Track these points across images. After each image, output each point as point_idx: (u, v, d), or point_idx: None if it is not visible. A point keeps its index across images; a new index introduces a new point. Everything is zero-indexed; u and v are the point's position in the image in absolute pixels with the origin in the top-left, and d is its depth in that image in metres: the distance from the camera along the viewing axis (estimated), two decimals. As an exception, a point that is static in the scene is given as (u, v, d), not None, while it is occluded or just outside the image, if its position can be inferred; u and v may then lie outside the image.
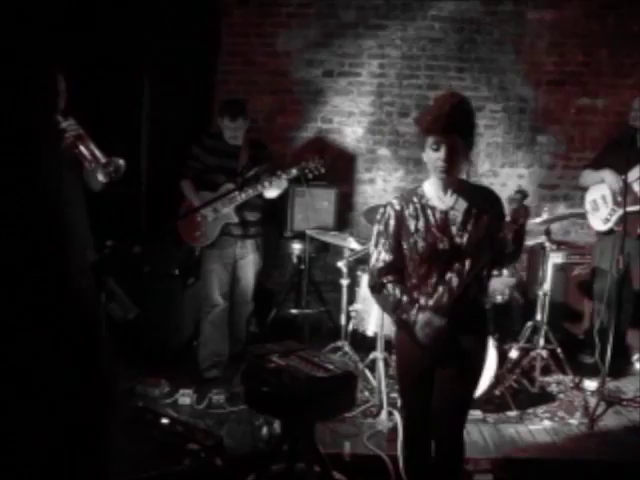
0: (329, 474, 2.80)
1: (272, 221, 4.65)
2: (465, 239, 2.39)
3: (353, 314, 4.07)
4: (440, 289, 2.39)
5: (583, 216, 4.39)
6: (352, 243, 4.04)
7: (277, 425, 3.13)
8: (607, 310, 4.03)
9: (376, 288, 2.48)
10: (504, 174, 5.21)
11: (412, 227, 2.43)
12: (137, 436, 2.99)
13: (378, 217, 2.52)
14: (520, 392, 3.90)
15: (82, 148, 2.99)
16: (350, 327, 4.08)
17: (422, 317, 2.36)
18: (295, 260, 4.67)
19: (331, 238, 4.25)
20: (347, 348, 4.01)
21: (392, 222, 2.46)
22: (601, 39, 5.01)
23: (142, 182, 4.64)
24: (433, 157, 2.40)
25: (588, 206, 4.28)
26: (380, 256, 2.46)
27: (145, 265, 4.33)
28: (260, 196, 3.91)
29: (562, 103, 5.10)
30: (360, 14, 5.01)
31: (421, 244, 2.40)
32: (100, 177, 2.99)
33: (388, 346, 3.82)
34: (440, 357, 2.43)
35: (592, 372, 4.06)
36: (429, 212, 2.44)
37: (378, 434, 3.36)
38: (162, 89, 4.52)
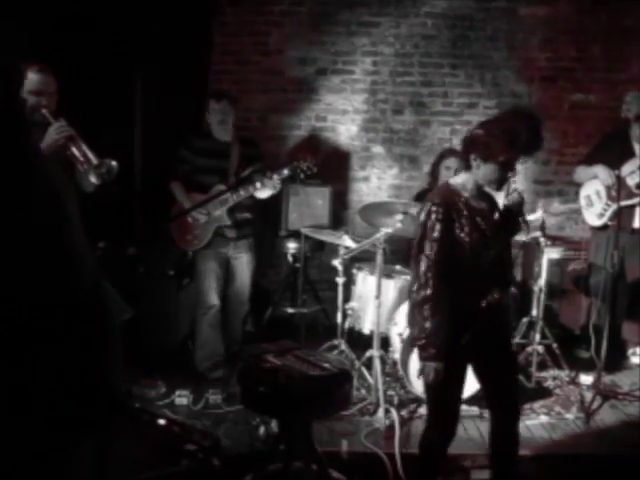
0: (327, 473, 2.80)
1: (267, 220, 4.65)
2: (506, 238, 2.54)
3: (349, 312, 4.07)
4: (492, 289, 2.49)
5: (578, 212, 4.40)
6: (347, 241, 4.03)
7: (274, 424, 3.13)
8: (602, 305, 4.04)
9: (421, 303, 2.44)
10: (498, 170, 5.21)
11: (461, 229, 2.46)
12: (134, 438, 2.98)
13: (423, 222, 2.49)
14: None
15: (74, 149, 2.97)
16: (346, 325, 4.08)
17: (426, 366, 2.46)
18: (290, 259, 4.67)
19: (326, 236, 4.24)
20: (343, 346, 4.01)
21: (439, 226, 2.45)
22: (594, 35, 5.02)
23: (136, 183, 4.62)
24: (498, 174, 2.47)
25: (583, 202, 4.29)
26: (429, 264, 2.44)
27: (140, 266, 4.32)
28: (252, 196, 3.90)
29: (555, 99, 5.10)
30: (353, 11, 5.00)
31: (472, 246, 2.45)
32: (92, 179, 2.98)
33: (384, 344, 3.83)
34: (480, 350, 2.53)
35: (588, 366, 4.08)
36: (476, 214, 2.50)
37: (375, 432, 3.36)
38: (155, 88, 4.50)
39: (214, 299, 3.98)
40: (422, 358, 2.47)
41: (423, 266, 2.44)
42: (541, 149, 2.56)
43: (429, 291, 2.42)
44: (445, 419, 2.65)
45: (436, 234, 2.44)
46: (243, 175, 3.70)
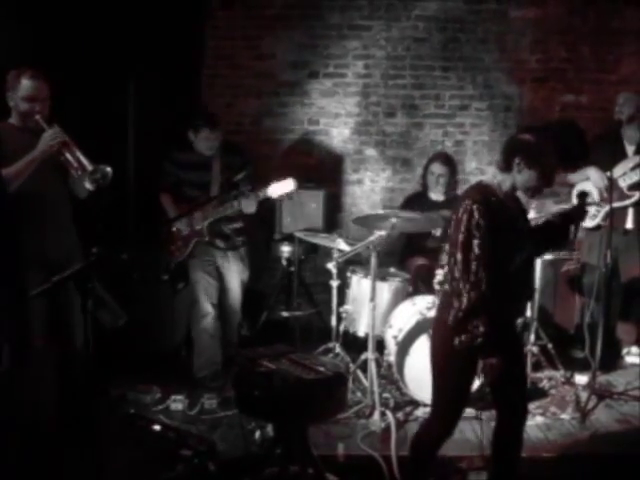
0: (323, 476, 2.79)
1: (261, 224, 4.64)
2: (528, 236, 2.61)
3: (344, 315, 4.07)
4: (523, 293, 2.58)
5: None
6: (341, 244, 4.04)
7: (270, 429, 3.12)
8: (596, 305, 4.05)
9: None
10: (491, 172, 5.21)
11: (497, 229, 2.46)
12: (129, 443, 2.97)
13: (466, 221, 2.45)
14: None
15: (68, 155, 2.97)
16: (341, 328, 4.08)
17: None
18: (285, 262, 4.67)
19: (320, 240, 4.24)
20: (338, 349, 4.01)
21: (484, 224, 2.43)
22: (583, 36, 5.04)
23: (129, 188, 4.61)
24: (536, 183, 2.54)
25: (575, 202, 4.30)
26: (480, 263, 2.41)
27: (134, 271, 4.30)
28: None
29: (546, 100, 5.12)
30: (344, 15, 5.02)
31: (506, 247, 2.47)
32: (87, 185, 2.97)
33: (379, 346, 3.83)
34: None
35: (583, 367, 4.08)
36: (510, 214, 2.55)
37: (371, 435, 3.35)
38: (148, 93, 4.50)
39: (207, 307, 3.96)
40: (482, 357, 2.46)
41: (474, 266, 2.41)
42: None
43: (483, 289, 2.40)
44: (453, 418, 2.68)
45: (482, 232, 2.42)
46: (221, 197, 3.67)
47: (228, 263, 4.00)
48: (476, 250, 2.42)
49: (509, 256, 2.48)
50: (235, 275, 4.03)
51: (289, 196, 3.72)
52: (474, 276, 2.41)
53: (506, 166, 2.56)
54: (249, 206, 3.75)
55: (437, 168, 4.54)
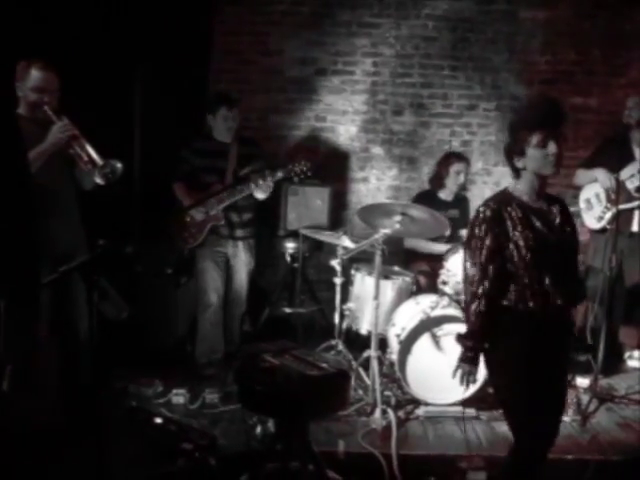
0: (323, 473, 2.80)
1: (265, 220, 4.65)
2: (565, 239, 2.50)
3: (347, 313, 4.07)
4: (554, 294, 2.43)
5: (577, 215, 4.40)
6: (346, 242, 4.04)
7: (271, 424, 3.12)
8: (600, 308, 4.05)
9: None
10: (497, 172, 5.22)
11: (514, 228, 2.42)
12: (131, 436, 2.98)
13: (471, 222, 2.48)
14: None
15: (77, 148, 2.98)
16: (344, 326, 4.08)
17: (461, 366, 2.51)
18: (288, 259, 4.67)
19: (325, 237, 4.24)
20: (341, 347, 4.01)
21: (485, 226, 2.43)
22: (593, 38, 5.03)
23: (135, 181, 4.62)
24: (540, 155, 2.42)
25: (582, 205, 4.30)
26: (488, 274, 2.41)
27: (138, 264, 4.32)
28: (251, 196, 3.91)
29: (555, 102, 5.10)
30: (354, 12, 5.01)
31: (528, 245, 2.41)
32: (97, 179, 2.99)
33: (382, 344, 3.83)
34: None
35: (584, 369, 4.08)
36: (532, 212, 2.46)
37: (372, 432, 3.36)
38: (155, 88, 4.50)
39: (213, 297, 4.00)
40: (461, 359, 2.49)
41: (468, 266, 2.45)
42: (564, 120, 2.49)
43: (479, 291, 2.41)
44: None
45: (482, 233, 2.42)
46: (241, 174, 3.73)
47: (237, 253, 4.04)
48: (474, 250, 2.43)
49: (534, 255, 2.41)
50: (243, 266, 4.07)
51: (306, 174, 3.80)
52: (475, 287, 2.42)
53: (516, 172, 2.53)
54: (264, 188, 3.81)
55: (463, 167, 4.58)
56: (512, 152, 2.50)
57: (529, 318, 2.43)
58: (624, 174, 3.97)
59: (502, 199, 2.50)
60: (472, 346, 2.47)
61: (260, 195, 3.89)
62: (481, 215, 2.45)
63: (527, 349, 2.43)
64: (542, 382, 2.46)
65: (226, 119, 3.94)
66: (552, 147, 2.41)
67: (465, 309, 2.50)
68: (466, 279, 2.48)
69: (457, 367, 2.52)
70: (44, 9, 3.78)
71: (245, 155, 3.98)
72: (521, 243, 2.41)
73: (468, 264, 2.47)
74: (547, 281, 2.42)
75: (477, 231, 2.45)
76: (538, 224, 2.45)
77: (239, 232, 4.03)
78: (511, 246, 2.42)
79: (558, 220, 2.51)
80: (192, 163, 3.99)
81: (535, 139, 2.42)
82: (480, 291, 2.41)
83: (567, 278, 2.49)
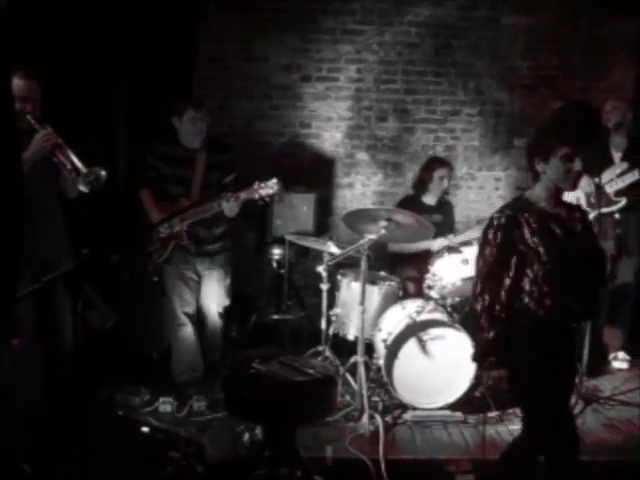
0: (311, 479, 2.80)
1: (251, 226, 4.65)
2: (586, 246, 2.47)
3: (333, 318, 4.08)
4: (571, 300, 2.41)
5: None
6: (332, 247, 4.04)
7: (258, 431, 3.12)
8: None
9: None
10: (481, 177, 5.26)
11: (532, 234, 2.39)
12: (117, 445, 2.96)
13: (484, 230, 2.45)
14: (500, 393, 3.92)
15: (61, 157, 2.96)
16: (331, 331, 4.08)
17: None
18: (275, 265, 4.67)
19: (311, 243, 4.25)
20: (328, 352, 4.00)
21: (500, 233, 2.40)
22: (574, 44, 5.10)
23: (120, 189, 4.60)
24: (563, 168, 2.38)
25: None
26: (485, 271, 2.41)
27: (123, 272, 4.29)
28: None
29: (537, 107, 5.16)
30: (337, 19, 5.04)
31: (546, 251, 2.37)
32: (81, 187, 2.97)
33: (369, 350, 3.84)
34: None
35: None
36: (550, 219, 2.43)
37: (360, 438, 3.36)
38: (139, 93, 4.49)
39: (182, 317, 3.79)
40: (481, 367, 2.50)
41: (479, 274, 2.43)
42: (598, 138, 2.45)
43: (486, 301, 2.40)
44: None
45: (496, 241, 2.39)
46: (202, 199, 3.55)
47: (208, 270, 3.82)
48: (487, 257, 2.41)
49: (551, 262, 2.37)
50: (215, 282, 3.83)
51: (275, 197, 3.60)
52: (479, 286, 2.43)
53: (534, 175, 2.49)
54: (231, 209, 3.58)
55: (446, 172, 4.57)
56: (535, 154, 2.44)
57: (547, 323, 2.42)
58: (604, 178, 4.02)
59: (519, 205, 2.45)
60: (491, 352, 2.43)
61: (228, 213, 3.63)
62: (495, 222, 2.42)
63: (546, 350, 2.42)
64: (561, 379, 2.49)
65: (194, 121, 3.64)
66: (577, 164, 2.36)
67: (480, 317, 2.43)
68: (477, 285, 2.43)
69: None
70: (29, 19, 3.77)
71: (214, 164, 3.72)
72: (540, 250, 2.37)
73: (481, 271, 2.44)
74: (566, 289, 2.39)
75: (490, 238, 2.42)
76: (558, 231, 2.41)
77: (209, 248, 3.79)
78: (530, 252, 2.38)
79: (579, 227, 2.48)
80: (158, 169, 3.76)
81: (563, 151, 2.35)
82: (488, 298, 2.39)
83: (587, 288, 2.44)
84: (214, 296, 3.87)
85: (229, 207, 3.56)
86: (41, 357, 3.10)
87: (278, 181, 3.48)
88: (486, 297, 2.41)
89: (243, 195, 3.51)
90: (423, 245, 4.28)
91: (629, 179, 4.03)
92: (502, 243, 2.40)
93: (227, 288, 3.91)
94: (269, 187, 3.48)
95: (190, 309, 3.83)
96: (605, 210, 4.00)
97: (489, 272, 2.42)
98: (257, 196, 3.49)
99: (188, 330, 3.83)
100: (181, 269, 3.79)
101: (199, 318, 3.89)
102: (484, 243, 2.45)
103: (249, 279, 4.95)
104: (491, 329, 2.40)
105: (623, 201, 4.07)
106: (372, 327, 3.90)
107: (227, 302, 3.95)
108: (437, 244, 4.23)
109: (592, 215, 4.07)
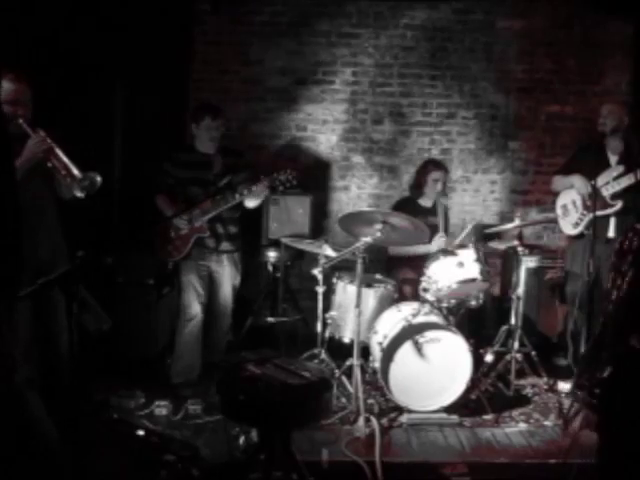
0: (307, 482, 2.79)
1: (247, 229, 4.64)
2: None
3: (329, 321, 4.07)
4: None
5: (555, 221, 4.46)
6: (327, 250, 4.05)
7: (254, 434, 3.11)
8: (579, 312, 4.09)
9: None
10: (477, 180, 5.27)
11: None
12: (112, 448, 2.95)
13: (617, 249, 2.25)
14: (496, 395, 3.94)
15: (55, 162, 2.94)
16: (326, 334, 4.07)
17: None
18: (271, 268, 4.67)
19: (306, 246, 4.25)
20: (323, 355, 4.00)
21: (630, 257, 2.23)
22: (569, 47, 5.12)
23: (115, 192, 4.60)
24: None
25: (559, 211, 4.35)
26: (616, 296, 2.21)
27: (119, 275, 4.29)
28: (238, 208, 3.88)
29: (532, 110, 5.18)
30: (333, 22, 5.05)
31: None
32: (77, 192, 2.95)
33: (364, 353, 3.84)
34: None
35: (566, 374, 4.12)
36: None
37: (356, 441, 3.35)
38: (135, 97, 4.50)
39: (196, 310, 3.92)
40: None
41: (612, 297, 2.26)
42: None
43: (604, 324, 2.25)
44: None
45: (627, 264, 2.23)
46: (221, 184, 3.71)
47: (222, 267, 3.97)
48: (617, 281, 2.23)
49: None
50: (227, 280, 4.00)
51: (288, 180, 3.79)
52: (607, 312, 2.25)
53: None
54: (253, 196, 3.79)
55: (440, 175, 4.56)
56: None
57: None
58: (600, 181, 4.03)
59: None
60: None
61: (251, 203, 3.87)
62: (626, 243, 2.24)
63: None
64: None
65: (209, 129, 3.85)
66: None
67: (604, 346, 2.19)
68: (609, 310, 2.23)
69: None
70: (24, 20, 3.76)
71: (229, 166, 3.93)
72: None
73: (613, 295, 2.23)
74: None
75: (621, 260, 2.23)
76: None
77: (224, 245, 3.96)
78: None
79: None
80: (175, 176, 3.93)
81: None
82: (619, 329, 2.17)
83: None
84: (226, 293, 4.02)
85: (257, 192, 3.76)
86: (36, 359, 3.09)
87: (292, 170, 3.78)
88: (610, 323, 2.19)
89: (265, 182, 3.75)
90: (422, 249, 4.29)
91: (625, 182, 4.04)
92: (634, 263, 2.20)
93: (237, 287, 4.07)
94: (288, 174, 3.76)
95: (199, 306, 3.94)
96: (601, 213, 4.01)
97: (620, 293, 2.21)
98: (277, 182, 3.77)
99: (195, 327, 3.94)
100: (199, 265, 3.93)
101: (207, 315, 3.99)
102: (616, 265, 2.23)
103: (245, 282, 4.92)
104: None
105: (619, 204, 4.08)
106: (368, 330, 3.90)
107: (234, 299, 4.08)
108: (435, 247, 4.23)
109: (588, 218, 4.10)
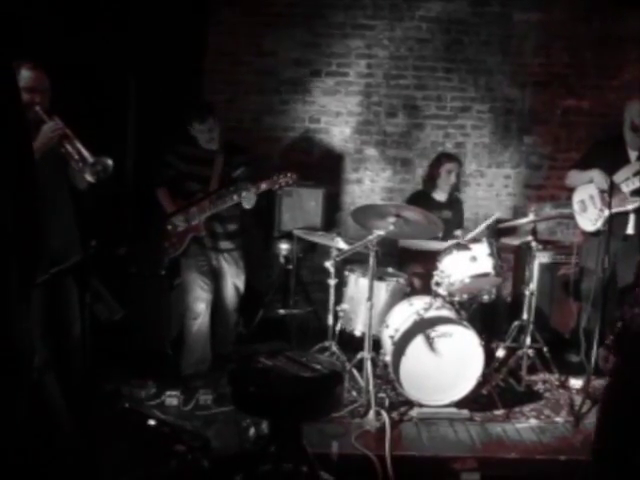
0: (317, 474, 2.79)
1: (259, 221, 4.64)
2: None
3: (341, 314, 4.07)
4: None
5: (569, 216, 4.42)
6: (339, 243, 4.04)
7: (264, 426, 3.12)
8: (593, 309, 4.06)
9: None
10: (491, 174, 5.23)
11: None
12: (123, 438, 2.96)
13: None
14: (507, 391, 3.92)
15: (68, 147, 2.96)
16: (337, 327, 4.07)
17: None
18: (282, 260, 4.66)
19: (318, 238, 4.24)
20: (334, 348, 4.00)
21: None
22: (586, 41, 5.05)
23: (128, 182, 4.60)
24: None
25: (576, 207, 4.30)
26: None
27: (131, 265, 4.30)
28: (238, 205, 3.81)
29: (548, 104, 5.13)
30: (348, 14, 5.01)
31: None
32: (88, 177, 2.96)
33: (375, 346, 3.83)
34: None
35: (578, 370, 4.10)
36: None
37: (366, 434, 3.36)
38: (149, 88, 4.49)
39: (199, 308, 3.91)
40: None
41: None
42: None
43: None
44: None
45: None
46: (235, 175, 3.66)
47: (221, 266, 3.95)
48: None
49: None
50: (228, 278, 3.97)
51: (290, 180, 3.77)
52: None
53: None
54: (248, 200, 3.73)
55: (454, 167, 4.56)
56: None
57: None
58: (619, 177, 3.99)
59: None
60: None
61: (246, 205, 3.79)
62: None
63: None
64: None
65: (202, 132, 3.81)
66: None
67: None
68: None
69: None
70: (39, 11, 3.77)
71: (232, 163, 3.83)
72: None
73: None
74: None
75: None
76: None
77: (223, 244, 3.93)
78: None
79: None
80: (177, 168, 3.90)
81: None
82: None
83: None
84: (228, 291, 3.99)
85: (247, 197, 3.71)
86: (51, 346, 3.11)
87: (292, 174, 3.74)
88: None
89: (263, 185, 3.74)
90: (434, 245, 4.27)
91: (646, 179, 3.99)
92: None
93: (239, 286, 4.03)
94: (288, 177, 3.74)
95: (205, 302, 3.93)
96: (620, 209, 3.97)
97: None
98: (277, 186, 3.76)
99: (202, 323, 3.93)
100: (198, 262, 3.90)
101: (212, 312, 3.98)
102: None
103: (256, 274, 4.94)
104: None
105: (639, 201, 4.03)
106: (379, 323, 3.89)
107: (239, 296, 4.05)
108: (447, 244, 4.21)
109: (605, 213, 4.05)
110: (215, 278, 3.96)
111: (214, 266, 3.94)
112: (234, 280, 3.99)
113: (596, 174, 4.11)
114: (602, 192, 4.09)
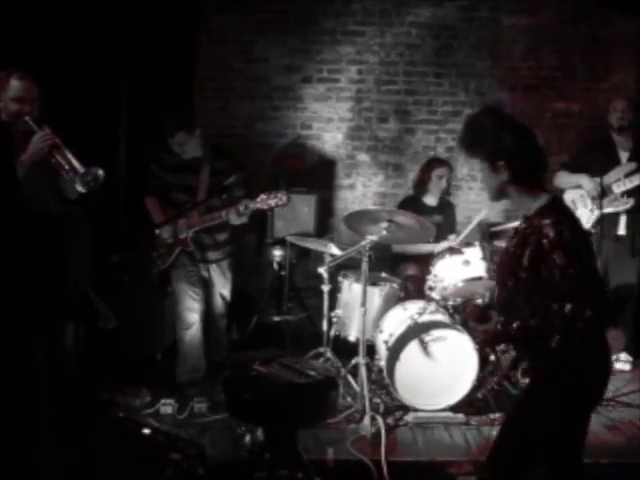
0: (312, 481, 2.79)
1: (253, 228, 4.64)
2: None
3: (335, 320, 4.06)
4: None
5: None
6: (333, 249, 4.04)
7: (259, 433, 3.11)
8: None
9: None
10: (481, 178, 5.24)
11: None
12: (118, 447, 2.95)
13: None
14: (502, 394, 3.92)
15: (58, 157, 2.95)
16: (332, 333, 4.07)
17: None
18: (276, 266, 4.66)
19: (312, 244, 4.24)
20: (329, 354, 4.00)
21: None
22: (575, 45, 5.09)
23: (120, 190, 4.60)
24: None
25: (567, 207, 4.32)
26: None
27: (124, 273, 4.29)
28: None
29: (538, 107, 5.16)
30: (338, 20, 5.04)
31: None
32: (79, 187, 2.96)
33: (370, 351, 3.83)
34: None
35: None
36: None
37: (361, 439, 3.35)
38: (140, 96, 4.49)
39: (192, 318, 3.88)
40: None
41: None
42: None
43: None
44: None
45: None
46: (227, 183, 3.61)
47: (210, 275, 3.92)
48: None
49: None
50: (216, 289, 3.95)
51: (280, 202, 3.62)
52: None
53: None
54: (237, 219, 3.68)
55: (445, 172, 4.56)
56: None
57: None
58: (609, 178, 4.01)
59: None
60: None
61: (235, 222, 3.73)
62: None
63: None
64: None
65: (174, 145, 3.74)
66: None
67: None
68: None
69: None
70: (30, 20, 3.77)
71: (219, 170, 3.75)
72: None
73: None
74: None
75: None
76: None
77: (211, 255, 3.88)
78: None
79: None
80: (162, 178, 3.85)
81: None
82: None
83: None
84: (217, 300, 3.97)
85: (235, 217, 3.64)
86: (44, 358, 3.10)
87: (286, 193, 3.59)
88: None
89: (252, 206, 3.59)
90: (426, 248, 4.27)
91: (638, 180, 4.01)
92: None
93: (225, 296, 4.00)
94: (278, 198, 3.58)
95: (197, 312, 3.90)
96: (611, 210, 3.99)
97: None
98: (266, 207, 3.60)
99: (195, 333, 3.91)
100: (188, 273, 3.87)
101: (204, 320, 3.95)
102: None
103: (250, 280, 4.94)
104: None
105: (631, 202, 4.06)
106: (373, 328, 3.89)
107: (227, 304, 4.02)
108: (440, 247, 4.22)
109: (595, 214, 4.07)
110: (205, 287, 3.93)
111: (203, 276, 3.92)
112: (221, 290, 3.97)
113: (585, 181, 4.12)
114: (593, 197, 4.11)
